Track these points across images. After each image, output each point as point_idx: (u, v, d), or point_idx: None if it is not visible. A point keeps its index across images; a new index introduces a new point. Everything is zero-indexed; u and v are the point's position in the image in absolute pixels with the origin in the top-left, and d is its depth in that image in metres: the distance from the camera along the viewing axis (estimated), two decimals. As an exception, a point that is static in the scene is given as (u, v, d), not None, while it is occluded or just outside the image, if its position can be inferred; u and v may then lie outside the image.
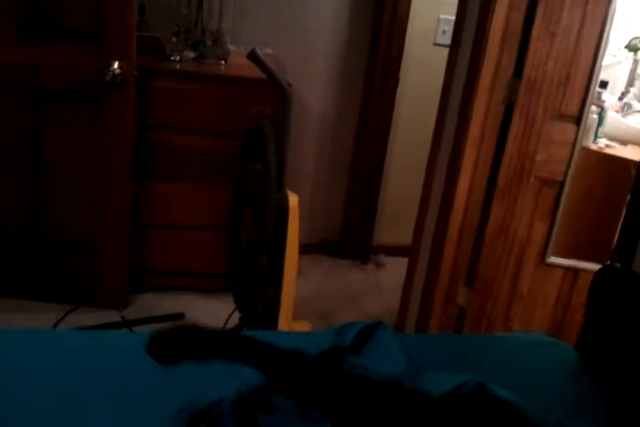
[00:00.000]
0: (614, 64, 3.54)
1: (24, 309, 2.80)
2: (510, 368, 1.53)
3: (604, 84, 3.18)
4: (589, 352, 1.57)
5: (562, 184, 2.43)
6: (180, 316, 2.94)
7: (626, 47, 3.44)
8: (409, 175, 3.57)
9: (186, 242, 3.06)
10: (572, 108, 2.37)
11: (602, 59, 2.33)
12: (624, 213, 1.80)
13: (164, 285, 3.13)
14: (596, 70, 2.33)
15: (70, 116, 2.68)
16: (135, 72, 2.60)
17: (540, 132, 2.37)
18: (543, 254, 2.50)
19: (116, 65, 2.54)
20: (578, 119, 2.38)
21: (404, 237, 3.12)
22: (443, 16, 3.51)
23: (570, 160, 2.40)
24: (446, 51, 2.70)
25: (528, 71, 2.32)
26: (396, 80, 3.55)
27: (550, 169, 2.42)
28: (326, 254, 3.81)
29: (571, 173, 2.41)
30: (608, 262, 1.74)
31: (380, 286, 3.54)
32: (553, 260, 2.51)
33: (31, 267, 2.86)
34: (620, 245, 1.76)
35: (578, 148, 2.39)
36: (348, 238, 3.82)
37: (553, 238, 2.48)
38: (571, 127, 2.39)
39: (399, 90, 3.59)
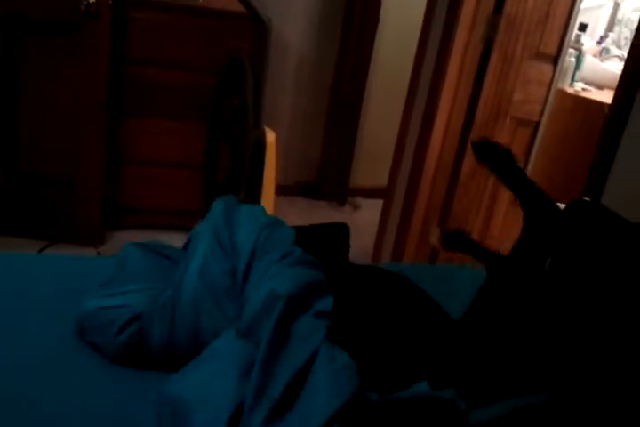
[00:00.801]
0: (595, 8, 3.52)
1: (1, 244, 2.79)
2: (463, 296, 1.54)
3: (583, 28, 3.17)
4: (557, 284, 1.61)
5: (537, 124, 2.45)
6: (156, 252, 2.95)
7: (608, -10, 3.42)
8: (387, 116, 3.56)
9: (163, 179, 3.05)
10: (551, 48, 2.38)
11: (582, -2, 2.33)
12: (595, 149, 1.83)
13: (141, 222, 3.12)
14: (576, 8, 2.32)
15: (45, 48, 2.61)
16: (110, 1, 2.54)
17: (518, 71, 2.37)
18: (516, 194, 2.53)
19: (90, -6, 2.48)
20: (555, 59, 2.39)
21: (381, 179, 3.13)
22: (425, -46, 3.44)
23: (546, 100, 2.41)
24: (428, -12, 2.67)
25: (509, 7, 2.31)
26: (377, 16, 3.50)
27: (526, 109, 2.43)
28: (302, 196, 3.82)
29: (546, 113, 2.43)
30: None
31: (356, 228, 3.51)
32: (525, 200, 2.53)
33: (8, 203, 2.83)
34: (590, 180, 1.80)
35: (554, 88, 2.40)
36: (325, 180, 3.82)
37: (526, 178, 2.51)
38: (548, 67, 2.40)
39: (379, 29, 3.55)
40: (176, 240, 3.01)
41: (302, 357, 1.02)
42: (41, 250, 2.78)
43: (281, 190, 3.55)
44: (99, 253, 2.84)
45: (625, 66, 1.84)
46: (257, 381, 0.99)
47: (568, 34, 2.39)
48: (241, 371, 1.04)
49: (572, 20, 2.39)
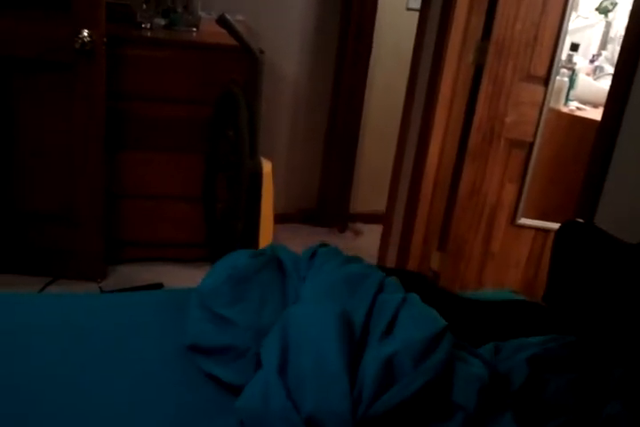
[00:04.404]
0: (586, 27, 3.54)
1: (3, 283, 2.79)
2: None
3: (575, 47, 3.18)
4: (554, 303, 1.61)
5: (531, 145, 2.46)
6: (159, 285, 2.95)
7: (596, 9, 3.45)
8: (385, 142, 3.57)
9: (162, 212, 3.06)
10: (541, 70, 2.40)
11: (569, 20, 2.35)
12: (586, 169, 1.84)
13: (141, 256, 3.13)
14: (563, 31, 2.35)
15: (41, 86, 2.65)
16: (105, 40, 2.58)
17: (510, 94, 2.39)
18: (514, 216, 2.54)
19: (85, 33, 2.51)
20: (546, 80, 2.40)
21: (381, 204, 3.14)
22: (415, -19, 3.49)
23: (539, 121, 2.42)
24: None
25: (496, 33, 2.33)
26: (370, 45, 3.54)
27: (520, 130, 2.45)
28: (304, 223, 3.82)
29: (540, 133, 2.44)
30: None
31: (358, 253, 3.54)
32: (523, 221, 2.55)
33: (7, 240, 2.85)
34: (583, 200, 1.80)
35: (546, 109, 2.41)
36: (326, 207, 3.83)
37: (523, 200, 2.52)
38: (539, 89, 2.41)
39: (373, 55, 3.58)
40: (177, 273, 3.06)
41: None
42: (44, 287, 2.79)
43: (283, 218, 3.57)
44: (100, 288, 2.85)
45: (611, 85, 1.86)
46: None
47: (557, 55, 2.41)
48: None
49: (560, 42, 2.40)
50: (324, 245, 1.59)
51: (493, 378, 1.17)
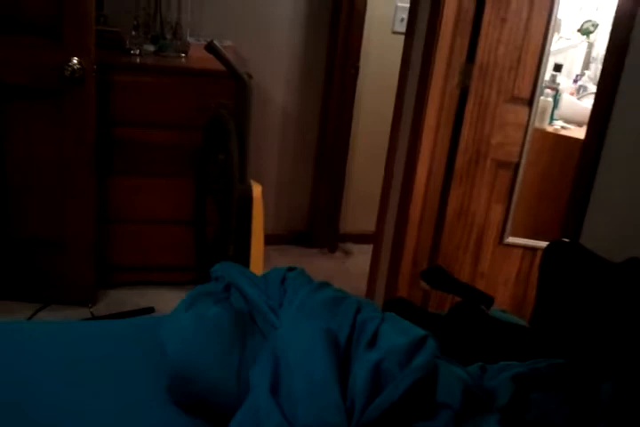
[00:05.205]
0: (569, 48, 3.61)
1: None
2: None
3: (558, 68, 3.24)
4: (542, 323, 1.63)
5: (517, 165, 2.49)
6: (150, 310, 2.95)
7: (578, 31, 3.51)
8: (374, 163, 3.61)
9: (153, 236, 3.07)
10: (525, 91, 2.43)
11: (551, 42, 2.40)
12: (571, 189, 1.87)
13: (133, 280, 3.13)
14: (546, 53, 2.39)
15: (31, 113, 2.67)
16: (95, 67, 2.60)
17: (495, 116, 2.43)
18: (501, 235, 2.57)
19: (75, 60, 2.54)
20: (530, 101, 2.44)
21: (371, 224, 3.16)
22: (400, 4, 3.55)
23: (524, 141, 2.46)
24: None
25: (480, 56, 2.37)
26: (356, 69, 3.59)
27: (505, 151, 2.48)
28: (294, 244, 3.84)
29: (525, 153, 2.48)
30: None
31: (349, 273, 3.59)
32: (511, 240, 2.57)
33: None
34: (569, 219, 1.83)
35: (531, 129, 2.45)
36: (316, 227, 3.85)
37: (510, 219, 2.54)
38: (523, 110, 2.45)
39: (359, 79, 3.63)
40: (169, 296, 3.06)
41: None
42: (34, 313, 2.79)
43: (273, 240, 3.58)
44: (92, 313, 2.84)
45: (594, 104, 1.89)
46: None
47: (541, 76, 2.45)
48: None
49: (543, 63, 2.45)
50: (291, 269, 1.60)
51: (477, 385, 1.19)
